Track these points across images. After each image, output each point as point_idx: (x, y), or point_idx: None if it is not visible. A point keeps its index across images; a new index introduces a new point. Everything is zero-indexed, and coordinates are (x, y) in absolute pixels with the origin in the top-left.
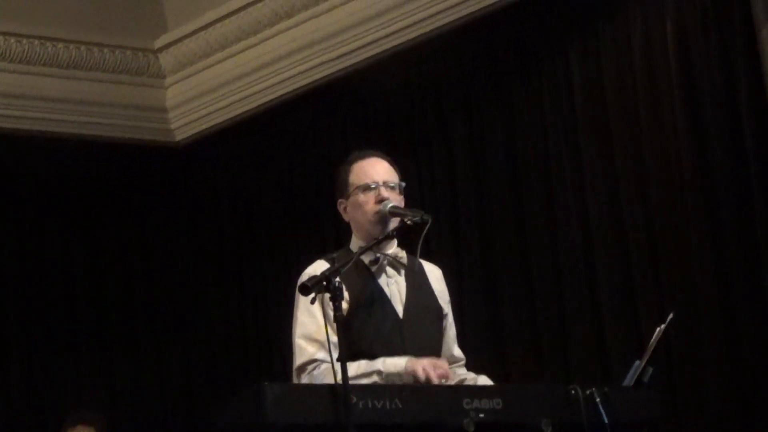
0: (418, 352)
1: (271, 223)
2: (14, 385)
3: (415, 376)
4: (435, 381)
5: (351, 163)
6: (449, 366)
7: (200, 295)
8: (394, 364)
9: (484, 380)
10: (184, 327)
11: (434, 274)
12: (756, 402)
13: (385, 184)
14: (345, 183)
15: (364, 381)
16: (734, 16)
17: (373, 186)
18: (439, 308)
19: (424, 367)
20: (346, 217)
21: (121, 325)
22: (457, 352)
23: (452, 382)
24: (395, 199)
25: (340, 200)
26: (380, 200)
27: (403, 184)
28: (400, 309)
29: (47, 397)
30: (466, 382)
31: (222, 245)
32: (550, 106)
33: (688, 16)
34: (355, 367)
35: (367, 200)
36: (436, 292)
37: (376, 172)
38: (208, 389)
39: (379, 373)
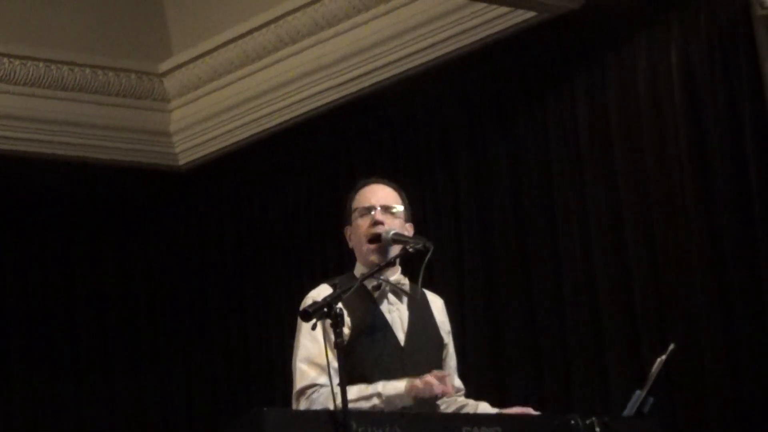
0: None
1: (274, 247)
2: (16, 409)
3: (416, 393)
4: (438, 391)
5: (356, 190)
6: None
7: (202, 318)
8: (394, 386)
9: (484, 407)
10: (186, 351)
11: (436, 304)
12: None
13: (384, 207)
14: (348, 210)
15: (364, 404)
16: (739, 47)
17: (369, 209)
18: (440, 338)
19: (426, 380)
20: (350, 244)
21: (123, 349)
22: (457, 382)
23: (452, 408)
24: (394, 225)
25: (345, 227)
26: (374, 223)
27: (401, 208)
28: (401, 336)
29: (49, 420)
30: (466, 409)
31: (225, 269)
32: (554, 135)
33: (693, 46)
34: (355, 391)
35: (363, 223)
36: (438, 323)
37: (374, 196)
38: (209, 413)
39: (378, 395)
